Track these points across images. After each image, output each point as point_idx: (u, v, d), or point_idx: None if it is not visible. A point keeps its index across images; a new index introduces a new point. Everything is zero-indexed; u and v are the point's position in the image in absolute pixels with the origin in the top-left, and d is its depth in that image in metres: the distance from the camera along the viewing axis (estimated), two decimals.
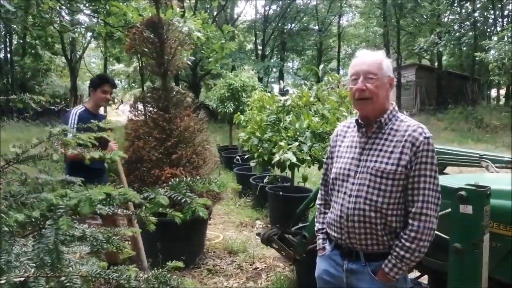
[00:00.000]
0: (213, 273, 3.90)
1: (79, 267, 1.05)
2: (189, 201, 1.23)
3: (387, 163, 1.69)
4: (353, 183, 1.75)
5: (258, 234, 3.74)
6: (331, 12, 28.42)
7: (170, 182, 1.31)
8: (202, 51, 5.76)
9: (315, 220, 2.03)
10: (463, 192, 2.12)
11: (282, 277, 3.67)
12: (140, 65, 4.40)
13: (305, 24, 29.65)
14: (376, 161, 1.71)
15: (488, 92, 27.70)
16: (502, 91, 26.08)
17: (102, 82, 3.64)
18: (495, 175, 2.99)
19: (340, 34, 29.84)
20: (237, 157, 8.92)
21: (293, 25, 29.22)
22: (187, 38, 4.09)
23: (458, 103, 20.70)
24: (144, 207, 1.22)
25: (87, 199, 1.00)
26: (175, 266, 1.26)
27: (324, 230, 1.94)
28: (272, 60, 27.98)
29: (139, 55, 4.15)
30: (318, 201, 2.03)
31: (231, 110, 9.57)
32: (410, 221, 1.71)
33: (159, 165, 3.86)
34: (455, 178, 2.92)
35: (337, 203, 1.81)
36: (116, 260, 3.21)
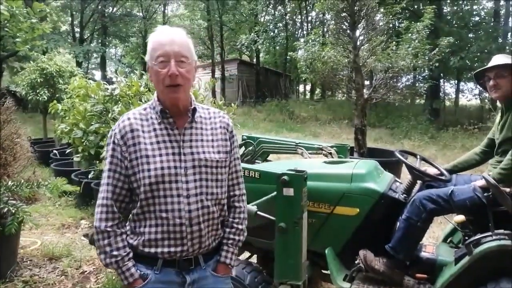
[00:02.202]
0: (31, 284, 3.43)
1: None
2: (13, 211, 1.02)
3: (214, 152, 1.59)
4: (187, 181, 1.51)
5: (86, 235, 3.44)
6: (155, 0, 27.79)
7: None
8: (6, 29, 4.88)
9: (107, 248, 1.51)
10: (286, 177, 2.36)
11: (114, 277, 3.45)
12: None
13: (128, 10, 28.27)
14: (204, 152, 1.56)
15: (297, 88, 31.56)
16: (308, 87, 30.19)
17: None
18: (308, 160, 3.43)
19: (166, 24, 29.52)
20: (55, 151, 8.03)
21: (115, 9, 27.50)
22: None
23: (274, 97, 23.02)
24: None
25: None
26: None
27: (131, 255, 1.54)
28: (92, 45, 25.80)
29: None
30: (107, 223, 1.51)
31: (45, 98, 8.48)
32: (236, 204, 1.71)
33: None
34: (277, 164, 3.24)
35: (168, 210, 1.49)
36: None
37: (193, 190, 1.52)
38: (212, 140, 1.61)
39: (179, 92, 1.52)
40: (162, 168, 1.49)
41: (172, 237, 1.51)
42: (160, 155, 1.50)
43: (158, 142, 1.52)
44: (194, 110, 1.59)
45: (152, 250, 1.52)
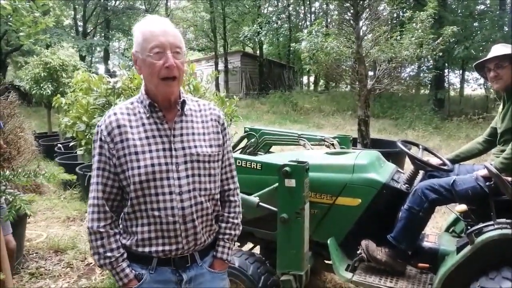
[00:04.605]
0: (37, 276, 3.47)
1: None
2: (11, 199, 1.03)
3: (206, 146, 1.53)
4: (178, 178, 1.45)
5: None
6: None
7: None
8: (9, 23, 4.89)
9: (101, 249, 1.47)
10: (287, 168, 2.37)
11: None
12: None
13: (131, 3, 28.19)
14: (196, 146, 1.50)
15: (301, 79, 31.43)
16: (312, 78, 30.04)
17: None
18: (310, 151, 3.43)
19: (168, 16, 29.40)
20: (59, 145, 8.08)
21: (117, 2, 27.45)
22: None
23: (277, 89, 22.94)
24: None
25: None
26: None
27: (125, 256, 1.50)
28: (95, 38, 25.82)
29: None
30: (99, 223, 1.46)
31: (49, 92, 8.53)
32: (231, 198, 1.67)
33: None
34: (279, 156, 3.24)
35: (161, 208, 1.44)
36: None
37: (186, 186, 1.47)
38: (204, 134, 1.54)
39: (174, 86, 1.46)
40: (152, 165, 1.43)
41: (166, 236, 1.47)
42: (150, 151, 1.44)
43: (147, 138, 1.45)
44: (184, 102, 1.51)
45: (146, 249, 1.48)
